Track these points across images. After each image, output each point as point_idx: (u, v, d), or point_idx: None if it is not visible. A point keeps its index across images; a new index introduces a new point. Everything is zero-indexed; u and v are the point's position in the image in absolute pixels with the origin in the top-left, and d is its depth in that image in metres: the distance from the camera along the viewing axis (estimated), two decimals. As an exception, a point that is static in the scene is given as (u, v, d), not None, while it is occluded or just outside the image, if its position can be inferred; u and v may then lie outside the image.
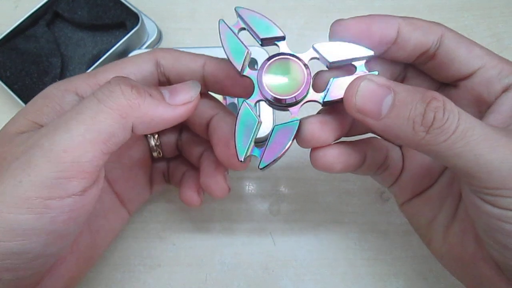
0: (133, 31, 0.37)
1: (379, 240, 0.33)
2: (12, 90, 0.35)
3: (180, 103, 0.22)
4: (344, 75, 0.22)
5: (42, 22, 0.38)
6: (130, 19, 0.38)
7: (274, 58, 0.22)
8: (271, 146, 0.22)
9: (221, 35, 0.23)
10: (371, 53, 0.22)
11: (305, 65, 0.22)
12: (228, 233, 0.34)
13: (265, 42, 0.23)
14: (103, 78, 0.23)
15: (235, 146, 0.22)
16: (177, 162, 0.30)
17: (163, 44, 0.41)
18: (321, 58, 0.22)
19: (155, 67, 0.24)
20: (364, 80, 0.20)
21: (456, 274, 0.26)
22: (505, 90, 0.22)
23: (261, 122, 0.22)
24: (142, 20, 0.37)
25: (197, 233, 0.34)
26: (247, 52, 0.22)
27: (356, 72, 0.22)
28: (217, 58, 0.25)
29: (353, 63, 0.22)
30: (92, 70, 0.24)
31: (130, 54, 0.38)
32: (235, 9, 0.23)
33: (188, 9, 0.42)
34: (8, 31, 0.37)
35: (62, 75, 0.37)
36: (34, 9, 0.38)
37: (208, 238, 0.34)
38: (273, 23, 0.23)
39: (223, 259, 0.33)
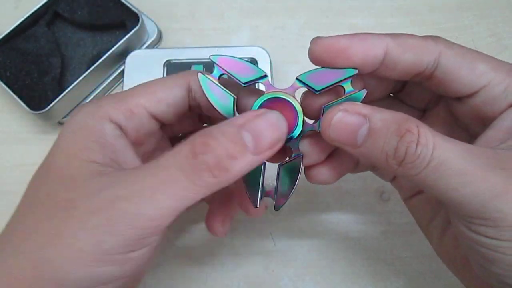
0: (133, 31, 0.37)
1: (379, 240, 0.33)
2: (12, 90, 0.35)
3: (266, 148, 0.20)
4: (334, 98, 0.22)
5: (42, 22, 0.38)
6: (130, 19, 0.38)
7: (262, 102, 0.22)
8: (280, 187, 0.23)
9: (203, 89, 0.22)
10: (354, 72, 0.21)
11: (293, 100, 0.22)
12: (228, 233, 0.34)
13: (248, 84, 0.22)
14: (135, 103, 0.22)
15: (248, 196, 0.23)
16: None
17: (163, 44, 0.41)
18: (308, 88, 0.22)
19: (186, 92, 0.23)
20: (338, 112, 0.20)
21: (455, 273, 0.26)
22: (510, 106, 0.21)
23: (265, 163, 0.22)
24: (142, 20, 0.37)
25: (197, 233, 0.34)
26: (234, 99, 0.22)
27: (345, 93, 0.22)
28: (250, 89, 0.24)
29: (341, 84, 0.22)
30: (121, 92, 0.23)
31: (131, 54, 0.38)
32: (210, 58, 0.22)
33: (188, 9, 0.42)
34: (8, 31, 0.37)
35: (62, 75, 0.37)
36: (34, 9, 0.38)
37: (208, 238, 0.34)
38: (251, 63, 0.22)
39: (223, 259, 0.33)
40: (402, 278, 0.32)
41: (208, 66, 0.35)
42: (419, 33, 0.22)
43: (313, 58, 0.22)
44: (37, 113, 0.34)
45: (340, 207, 0.34)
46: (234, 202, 0.27)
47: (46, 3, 0.38)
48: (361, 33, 0.22)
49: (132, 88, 0.23)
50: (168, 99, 0.23)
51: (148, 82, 0.24)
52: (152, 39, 0.39)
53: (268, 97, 0.22)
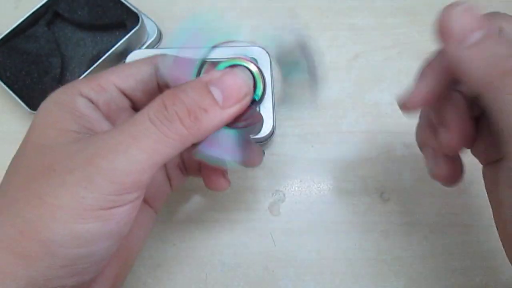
0: (133, 31, 0.37)
1: (379, 240, 0.33)
2: (12, 90, 0.35)
3: (234, 103, 0.21)
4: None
5: (42, 22, 0.38)
6: (130, 19, 0.38)
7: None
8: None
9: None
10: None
11: (250, 64, 0.23)
12: (228, 233, 0.34)
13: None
14: (104, 79, 0.24)
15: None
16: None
17: (163, 44, 0.41)
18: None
19: (154, 70, 0.25)
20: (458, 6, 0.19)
21: None
22: None
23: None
24: (142, 20, 0.37)
25: (197, 233, 0.34)
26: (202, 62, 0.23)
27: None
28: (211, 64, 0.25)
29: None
30: (91, 74, 0.25)
31: (131, 54, 0.38)
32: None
33: (188, 9, 0.42)
34: (8, 31, 0.37)
35: (62, 75, 0.37)
36: (34, 9, 0.38)
37: (208, 238, 0.34)
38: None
39: (223, 259, 0.33)
40: (402, 278, 0.32)
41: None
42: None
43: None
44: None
45: (340, 207, 0.34)
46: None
47: (46, 3, 0.38)
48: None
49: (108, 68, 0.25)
50: (136, 75, 0.24)
51: (120, 64, 0.25)
52: (152, 39, 0.39)
53: (227, 65, 0.23)
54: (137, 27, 0.37)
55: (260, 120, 0.25)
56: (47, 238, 0.18)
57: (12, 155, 0.39)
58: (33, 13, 0.37)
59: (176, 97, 0.20)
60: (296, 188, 0.35)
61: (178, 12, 0.42)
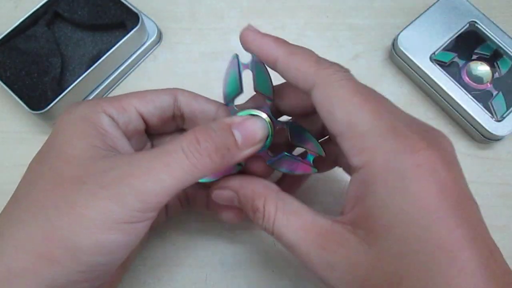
0: (133, 31, 0.37)
1: (379, 240, 0.33)
2: (12, 90, 0.35)
3: (250, 146, 0.25)
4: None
5: (42, 22, 0.38)
6: (130, 19, 0.38)
7: None
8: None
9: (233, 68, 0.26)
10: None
11: (264, 115, 0.26)
12: (228, 233, 0.34)
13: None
14: (127, 102, 0.26)
15: None
16: (196, 186, 0.28)
17: (163, 44, 0.41)
18: (265, 96, 0.26)
19: (172, 100, 0.27)
20: (213, 190, 0.27)
21: None
22: (353, 168, 0.22)
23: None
24: (142, 20, 0.37)
25: (197, 233, 0.34)
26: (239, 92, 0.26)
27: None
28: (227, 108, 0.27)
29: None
30: (115, 96, 0.27)
31: (133, 57, 0.38)
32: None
33: (188, 9, 0.42)
34: (8, 31, 0.37)
35: (62, 75, 0.37)
36: (34, 9, 0.38)
37: (208, 238, 0.34)
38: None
39: (223, 259, 0.33)
40: (402, 278, 0.32)
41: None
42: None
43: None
44: (37, 113, 0.34)
45: (340, 207, 0.34)
46: None
47: (46, 3, 0.38)
48: (267, 36, 0.27)
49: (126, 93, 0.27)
50: (156, 101, 0.26)
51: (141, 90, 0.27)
52: (152, 39, 0.39)
53: (246, 113, 0.26)
54: (137, 27, 0.37)
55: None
56: (74, 245, 0.20)
57: (12, 155, 0.39)
58: (33, 13, 0.37)
59: (208, 134, 0.23)
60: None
61: (178, 12, 0.42)
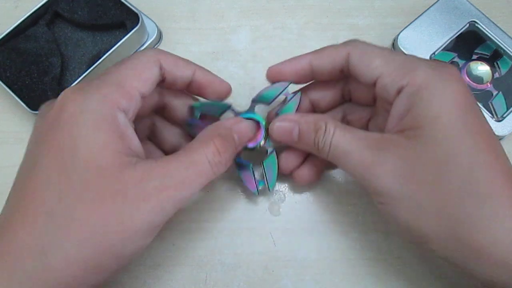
0: (133, 31, 0.37)
1: (379, 240, 0.33)
2: (12, 90, 0.35)
3: (241, 145, 0.30)
4: (281, 107, 0.31)
5: (42, 22, 0.38)
6: (130, 19, 0.38)
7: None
8: (268, 175, 0.32)
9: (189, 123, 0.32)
10: (288, 83, 0.31)
11: (259, 117, 0.31)
12: (228, 233, 0.34)
13: (220, 114, 0.32)
14: (132, 88, 0.25)
15: (247, 186, 0.32)
16: None
17: (163, 44, 0.41)
18: (263, 103, 0.32)
19: (159, 70, 0.27)
20: (276, 122, 0.30)
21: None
22: (398, 93, 0.26)
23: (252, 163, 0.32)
24: (142, 20, 0.37)
25: (197, 233, 0.34)
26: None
27: (287, 99, 0.31)
28: (204, 68, 0.30)
29: (284, 95, 0.31)
30: (111, 74, 0.25)
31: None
32: (193, 106, 0.31)
33: (188, 9, 0.42)
34: (8, 31, 0.37)
35: (62, 75, 0.37)
36: (34, 9, 0.38)
37: (208, 238, 0.34)
38: (217, 103, 0.31)
39: (223, 259, 0.33)
40: (402, 278, 0.32)
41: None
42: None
43: (268, 78, 0.31)
44: (37, 113, 0.34)
45: (340, 207, 0.35)
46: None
47: (46, 3, 0.38)
48: (289, 59, 0.30)
49: (118, 69, 0.26)
50: (151, 78, 0.27)
51: (128, 62, 0.26)
52: (152, 39, 0.39)
53: (246, 117, 0.31)
54: (137, 27, 0.37)
55: None
56: (122, 255, 0.23)
57: (12, 155, 0.39)
58: (33, 13, 0.37)
59: (226, 146, 0.26)
60: (296, 188, 0.35)
61: (178, 12, 0.42)
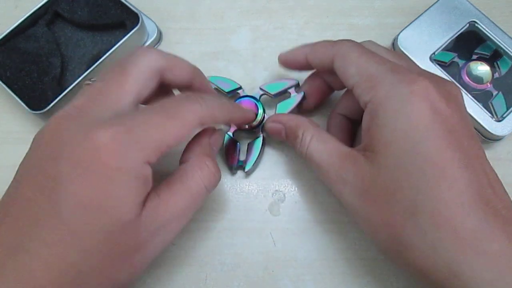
0: (133, 31, 0.37)
1: (379, 240, 0.33)
2: (12, 90, 0.35)
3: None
4: (284, 99, 0.35)
5: (42, 22, 0.38)
6: (130, 19, 0.38)
7: (239, 101, 0.35)
8: (248, 156, 0.34)
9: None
10: (295, 82, 0.35)
11: (257, 101, 0.35)
12: (228, 233, 0.34)
13: (230, 93, 0.36)
14: (165, 145, 0.23)
15: (228, 163, 0.35)
16: None
17: (163, 44, 0.41)
18: (267, 94, 0.35)
19: (159, 76, 0.26)
20: (268, 123, 0.33)
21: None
22: (365, 107, 0.26)
23: (238, 143, 0.35)
24: (142, 20, 0.37)
25: (197, 233, 0.34)
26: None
27: (291, 96, 0.35)
28: (202, 80, 0.30)
29: (288, 90, 0.35)
30: (149, 124, 0.23)
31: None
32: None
33: (188, 9, 0.42)
34: (8, 31, 0.37)
35: (62, 75, 0.37)
36: (34, 9, 0.38)
37: (208, 238, 0.34)
38: (229, 80, 0.36)
39: (223, 259, 0.33)
40: (402, 278, 0.32)
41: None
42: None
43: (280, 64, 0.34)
44: (37, 113, 0.34)
45: (340, 207, 0.34)
46: None
47: (46, 3, 0.38)
48: (295, 48, 0.32)
49: (156, 119, 0.23)
50: (152, 87, 0.26)
51: (164, 109, 0.24)
52: (152, 39, 0.39)
53: (243, 95, 0.35)
54: (137, 27, 0.37)
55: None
56: (121, 284, 0.24)
57: (13, 155, 0.39)
58: (33, 13, 0.37)
59: (215, 165, 0.28)
60: (296, 188, 0.35)
61: (178, 12, 0.42)
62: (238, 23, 0.41)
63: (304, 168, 0.36)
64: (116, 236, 0.22)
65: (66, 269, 0.21)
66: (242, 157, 0.35)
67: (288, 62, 0.33)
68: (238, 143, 0.34)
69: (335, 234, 0.34)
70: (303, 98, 0.34)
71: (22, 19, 0.37)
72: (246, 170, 0.34)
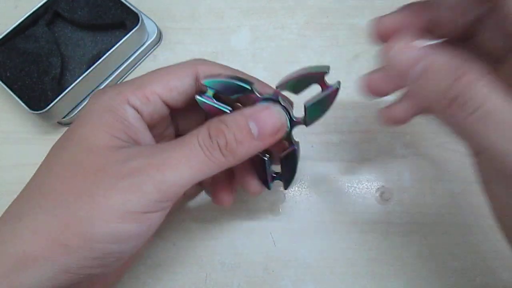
0: (133, 31, 0.37)
1: (379, 240, 0.33)
2: (12, 90, 0.35)
3: (268, 135, 0.24)
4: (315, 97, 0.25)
5: (42, 22, 0.38)
6: (130, 19, 0.38)
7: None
8: (285, 173, 0.28)
9: (201, 107, 0.26)
10: (324, 69, 0.25)
11: (283, 100, 0.26)
12: (228, 233, 0.34)
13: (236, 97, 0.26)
14: (150, 90, 0.25)
15: (260, 180, 0.29)
16: None
17: (163, 44, 0.41)
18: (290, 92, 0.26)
19: (194, 81, 0.26)
20: (399, 42, 0.21)
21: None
22: None
23: (267, 158, 0.27)
24: (142, 20, 0.37)
25: (197, 233, 0.34)
26: (230, 110, 0.26)
27: (322, 90, 0.25)
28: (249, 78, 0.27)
29: (318, 83, 0.25)
30: (138, 78, 0.26)
31: (133, 57, 0.38)
32: (203, 83, 0.26)
33: (188, 9, 0.42)
34: (8, 31, 0.37)
35: (62, 75, 0.37)
36: (34, 9, 0.38)
37: (208, 238, 0.34)
38: (235, 81, 0.25)
39: (223, 259, 0.33)
40: (402, 278, 0.32)
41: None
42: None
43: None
44: (37, 113, 0.34)
45: (340, 207, 0.34)
46: (236, 177, 0.30)
47: (46, 3, 0.38)
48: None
49: (147, 74, 0.26)
50: (179, 87, 0.26)
51: (161, 69, 0.26)
52: (152, 39, 0.39)
53: (265, 97, 0.26)
54: (137, 27, 0.37)
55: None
56: (90, 233, 0.21)
57: (12, 155, 0.39)
58: (33, 13, 0.37)
59: (219, 129, 0.23)
60: (296, 188, 0.35)
61: (178, 12, 0.42)
62: (238, 23, 0.41)
63: (305, 168, 0.36)
64: (80, 157, 0.23)
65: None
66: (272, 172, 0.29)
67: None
68: (266, 159, 0.27)
69: (335, 234, 0.34)
70: (337, 89, 0.25)
71: (22, 19, 0.37)
72: (285, 188, 0.30)
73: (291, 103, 0.27)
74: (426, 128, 0.37)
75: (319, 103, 0.25)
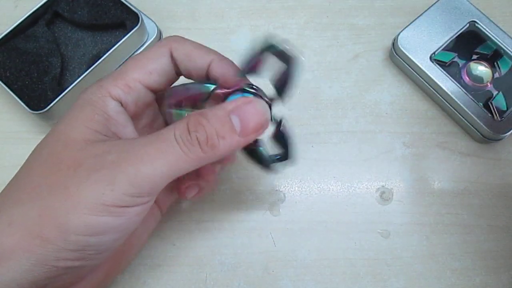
0: (133, 31, 0.37)
1: (379, 240, 0.33)
2: (12, 90, 0.35)
3: (251, 132, 0.24)
4: None
5: (42, 22, 0.38)
6: (130, 19, 0.38)
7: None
8: (283, 152, 0.27)
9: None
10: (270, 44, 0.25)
11: (255, 93, 0.25)
12: (228, 233, 0.34)
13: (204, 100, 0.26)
14: (130, 78, 0.25)
15: (262, 167, 0.27)
16: None
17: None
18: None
19: (170, 60, 0.26)
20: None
21: None
22: None
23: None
24: (142, 20, 0.37)
25: (197, 233, 0.34)
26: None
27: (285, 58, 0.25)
28: (222, 59, 0.27)
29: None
30: (117, 70, 0.26)
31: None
32: (165, 95, 0.26)
33: (188, 9, 0.42)
34: (8, 31, 0.37)
35: (62, 75, 0.37)
36: (34, 9, 0.38)
37: (208, 238, 0.34)
38: (197, 84, 0.26)
39: (223, 259, 0.33)
40: (402, 278, 0.32)
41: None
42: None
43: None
44: (37, 113, 0.34)
45: (340, 207, 0.34)
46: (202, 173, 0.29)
47: (46, 3, 0.38)
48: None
49: (124, 64, 0.26)
50: (158, 69, 0.26)
51: (136, 55, 0.27)
52: (152, 39, 0.39)
53: (236, 89, 0.25)
54: (137, 27, 0.37)
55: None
56: (64, 225, 0.21)
57: (12, 155, 0.39)
58: (32, 13, 0.37)
59: (198, 124, 0.22)
60: (296, 188, 0.35)
61: (178, 12, 0.42)
62: (238, 23, 0.41)
63: (305, 167, 0.36)
64: (58, 151, 0.23)
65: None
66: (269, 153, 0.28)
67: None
68: (261, 148, 0.27)
69: (335, 234, 0.34)
70: (295, 56, 0.25)
71: (22, 19, 0.37)
72: (293, 163, 0.28)
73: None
74: (426, 128, 0.37)
75: (285, 76, 0.25)
